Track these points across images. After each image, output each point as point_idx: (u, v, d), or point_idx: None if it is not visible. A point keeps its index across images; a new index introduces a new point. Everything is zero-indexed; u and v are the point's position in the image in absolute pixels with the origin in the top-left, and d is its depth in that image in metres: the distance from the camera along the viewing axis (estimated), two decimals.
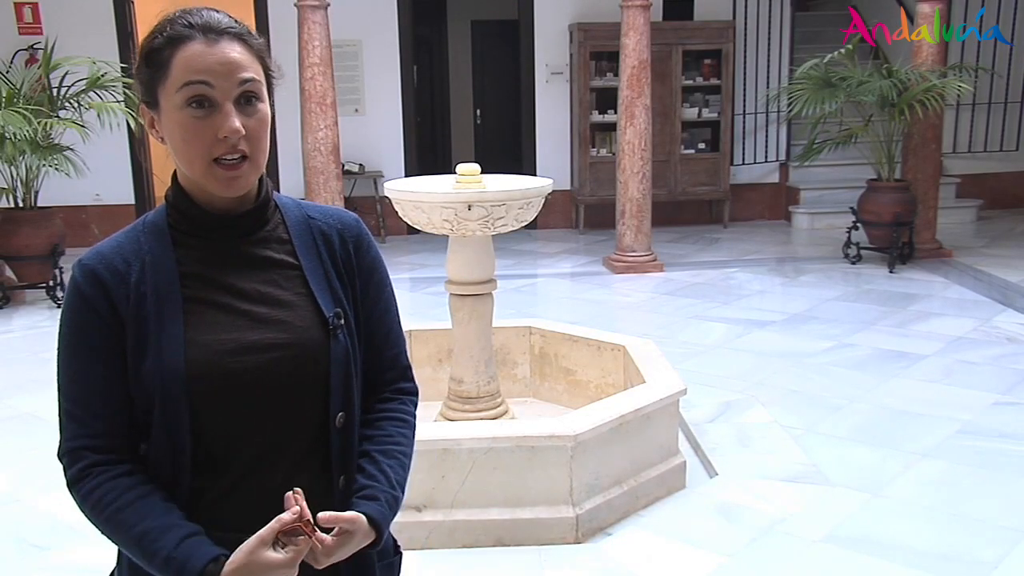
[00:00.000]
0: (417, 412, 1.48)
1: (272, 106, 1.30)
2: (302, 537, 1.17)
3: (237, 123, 1.21)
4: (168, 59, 1.22)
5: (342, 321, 1.33)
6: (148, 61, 1.24)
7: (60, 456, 1.27)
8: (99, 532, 1.25)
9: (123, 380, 1.24)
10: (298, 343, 1.28)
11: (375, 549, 1.30)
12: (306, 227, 1.37)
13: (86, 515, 1.25)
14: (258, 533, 1.16)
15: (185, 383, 1.22)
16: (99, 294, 1.24)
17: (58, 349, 1.27)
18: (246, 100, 1.23)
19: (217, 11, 1.26)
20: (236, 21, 1.26)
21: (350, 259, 1.39)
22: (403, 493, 1.36)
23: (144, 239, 1.29)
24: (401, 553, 1.47)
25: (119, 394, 1.25)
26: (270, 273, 1.32)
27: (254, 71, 1.25)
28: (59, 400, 1.27)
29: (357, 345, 1.36)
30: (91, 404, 1.25)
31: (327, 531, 1.21)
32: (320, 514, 1.19)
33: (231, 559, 1.17)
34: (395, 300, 1.47)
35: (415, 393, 1.48)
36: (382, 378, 1.43)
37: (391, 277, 1.48)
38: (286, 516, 1.16)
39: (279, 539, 1.17)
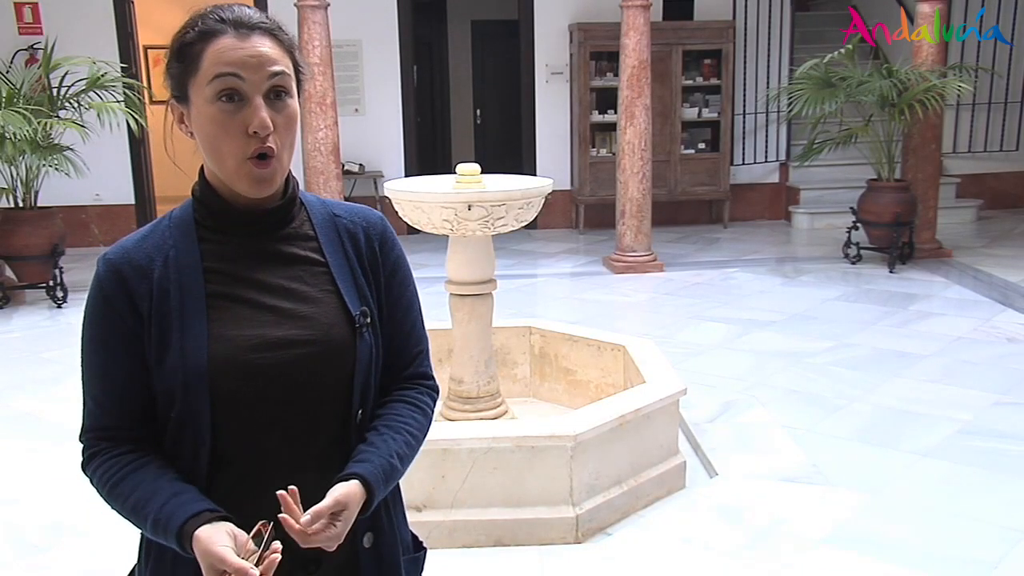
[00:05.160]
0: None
1: (300, 104, 1.30)
2: (271, 555, 1.13)
3: (267, 117, 1.22)
4: (199, 53, 1.22)
5: (368, 319, 1.32)
6: (179, 56, 1.25)
7: (80, 438, 1.30)
8: (117, 513, 1.28)
9: (143, 375, 1.25)
10: (323, 340, 1.28)
11: (365, 515, 1.27)
12: (332, 225, 1.37)
13: (100, 496, 1.28)
14: (234, 536, 1.14)
15: (207, 378, 1.22)
16: (120, 292, 1.25)
17: (81, 341, 1.30)
18: (275, 95, 1.24)
19: (249, 7, 1.28)
20: (267, 17, 1.27)
21: (375, 257, 1.38)
22: (403, 466, 1.33)
23: (169, 234, 1.29)
24: (425, 549, 1.47)
25: (139, 389, 1.26)
26: (296, 269, 1.32)
27: (284, 65, 1.25)
28: (83, 388, 1.30)
29: (380, 343, 1.36)
30: (110, 398, 1.27)
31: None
32: (302, 519, 1.17)
33: (200, 532, 1.15)
34: (418, 298, 1.46)
35: (436, 389, 1.46)
36: (403, 374, 1.42)
37: None
38: (250, 545, 1.14)
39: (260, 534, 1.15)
